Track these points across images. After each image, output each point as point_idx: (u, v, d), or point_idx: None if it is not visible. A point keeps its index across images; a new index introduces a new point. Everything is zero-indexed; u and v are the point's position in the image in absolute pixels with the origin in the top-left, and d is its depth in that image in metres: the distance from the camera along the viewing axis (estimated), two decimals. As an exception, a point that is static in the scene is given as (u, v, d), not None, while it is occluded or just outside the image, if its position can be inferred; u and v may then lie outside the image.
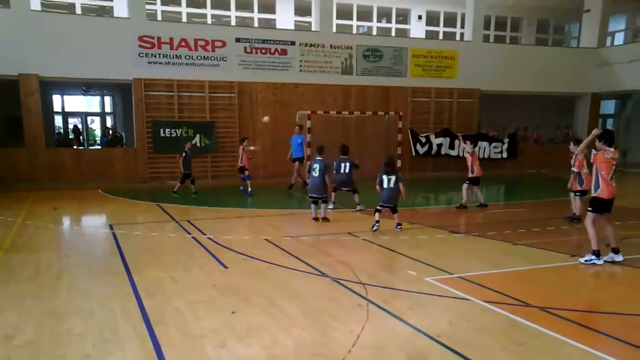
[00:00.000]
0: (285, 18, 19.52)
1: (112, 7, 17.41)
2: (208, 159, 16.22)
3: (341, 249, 7.81)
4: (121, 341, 4.44)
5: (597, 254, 6.83)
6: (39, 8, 15.87)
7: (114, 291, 5.74)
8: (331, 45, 17.18)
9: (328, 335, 4.56)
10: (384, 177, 8.88)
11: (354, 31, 20.53)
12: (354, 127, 17.19)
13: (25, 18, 14.14)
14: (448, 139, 18.24)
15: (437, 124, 18.57)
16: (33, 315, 5.03)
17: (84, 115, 22.34)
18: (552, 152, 20.09)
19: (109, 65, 14.90)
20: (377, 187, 9.01)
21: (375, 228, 8.70)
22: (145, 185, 15.16)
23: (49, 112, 18.62)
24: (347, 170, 10.57)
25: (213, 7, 18.68)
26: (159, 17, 17.98)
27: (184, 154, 12.74)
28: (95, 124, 23.10)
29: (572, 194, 10.12)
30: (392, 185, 8.84)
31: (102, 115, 22.54)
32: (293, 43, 16.73)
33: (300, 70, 16.90)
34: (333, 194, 10.95)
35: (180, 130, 15.65)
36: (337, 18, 18.88)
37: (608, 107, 23.67)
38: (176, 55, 15.56)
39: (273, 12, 19.67)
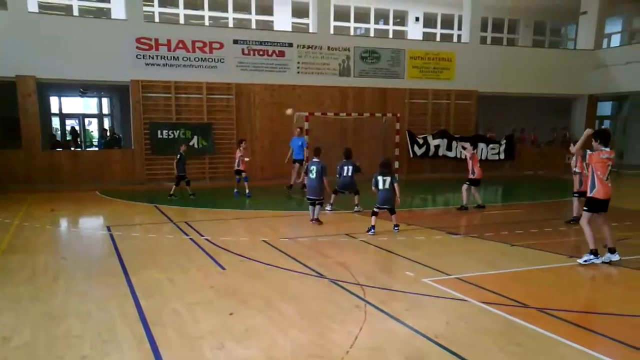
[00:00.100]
0: (282, 20, 19.55)
1: (109, 9, 17.42)
2: (206, 161, 16.21)
3: (339, 250, 7.81)
4: (119, 342, 4.43)
5: (595, 252, 6.87)
6: (36, 10, 15.86)
7: (111, 293, 5.73)
8: (329, 47, 17.20)
9: (326, 337, 4.56)
10: (379, 178, 8.90)
11: (352, 33, 20.57)
12: (351, 128, 17.22)
13: (22, 20, 14.12)
14: (445, 141, 18.25)
15: (435, 126, 18.60)
16: (30, 317, 5.02)
17: (81, 117, 22.30)
18: (549, 153, 20.16)
19: (107, 67, 14.89)
20: (373, 188, 9.03)
21: (371, 233, 8.69)
22: (143, 187, 15.14)
23: (46, 114, 18.60)
24: (349, 174, 10.59)
25: (210, 8, 18.70)
26: (157, 19, 17.98)
27: (178, 156, 12.75)
28: (92, 126, 23.05)
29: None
30: (387, 186, 8.85)
31: (100, 117, 22.51)
32: (291, 45, 16.75)
33: (298, 72, 16.91)
34: (333, 196, 10.96)
35: (178, 131, 15.64)
36: (335, 20, 18.95)
37: (605, 108, 23.74)
38: (174, 57, 15.56)
39: (271, 13, 19.70)
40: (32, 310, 5.20)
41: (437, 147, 18.20)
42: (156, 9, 18.21)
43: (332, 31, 17.91)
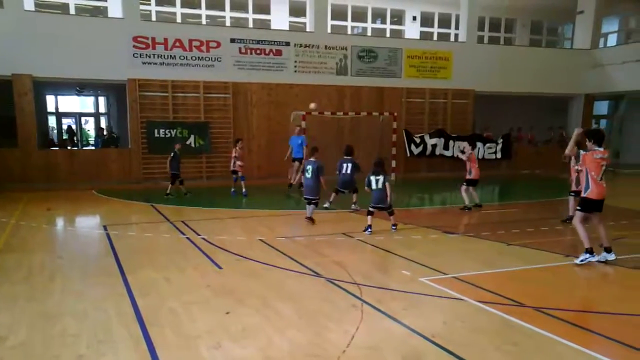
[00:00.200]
0: (280, 19, 19.51)
1: (106, 8, 17.34)
2: (203, 160, 16.19)
3: (335, 249, 7.81)
4: (115, 342, 4.43)
5: (590, 251, 6.87)
6: (32, 8, 15.77)
7: (107, 292, 5.72)
8: (326, 46, 17.19)
9: (322, 336, 4.57)
10: (372, 177, 8.87)
11: (349, 32, 20.54)
12: (348, 127, 17.22)
13: (18, 18, 14.07)
14: (442, 140, 18.28)
15: (432, 125, 18.62)
16: (26, 317, 5.00)
17: (77, 116, 22.23)
18: (546, 152, 20.19)
19: (103, 66, 14.84)
20: (366, 188, 9.02)
21: (367, 233, 8.67)
22: (140, 186, 15.12)
23: (42, 113, 18.53)
24: (349, 171, 10.57)
25: (208, 7, 18.64)
26: (154, 18, 17.91)
27: (172, 154, 12.74)
28: (89, 125, 22.99)
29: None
30: (380, 186, 8.81)
31: (96, 115, 22.44)
32: (288, 44, 16.73)
33: (295, 71, 16.90)
34: (334, 195, 10.95)
35: (175, 130, 15.61)
36: (332, 19, 18.91)
37: (601, 108, 23.81)
38: (171, 56, 15.53)
39: (268, 12, 19.66)
40: (29, 310, 5.19)
41: (434, 146, 18.22)
42: (153, 8, 18.14)
43: (329, 30, 17.90)
